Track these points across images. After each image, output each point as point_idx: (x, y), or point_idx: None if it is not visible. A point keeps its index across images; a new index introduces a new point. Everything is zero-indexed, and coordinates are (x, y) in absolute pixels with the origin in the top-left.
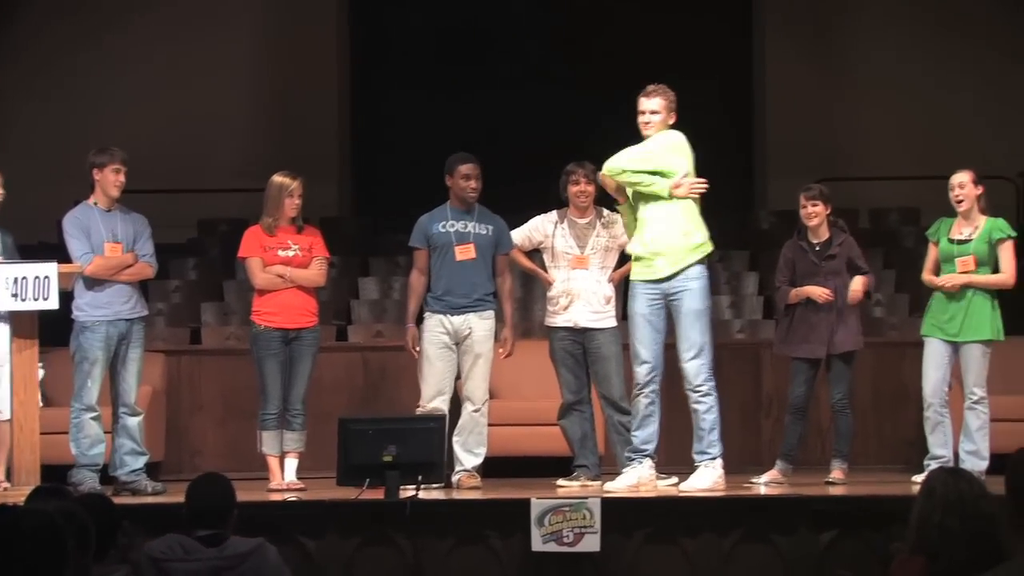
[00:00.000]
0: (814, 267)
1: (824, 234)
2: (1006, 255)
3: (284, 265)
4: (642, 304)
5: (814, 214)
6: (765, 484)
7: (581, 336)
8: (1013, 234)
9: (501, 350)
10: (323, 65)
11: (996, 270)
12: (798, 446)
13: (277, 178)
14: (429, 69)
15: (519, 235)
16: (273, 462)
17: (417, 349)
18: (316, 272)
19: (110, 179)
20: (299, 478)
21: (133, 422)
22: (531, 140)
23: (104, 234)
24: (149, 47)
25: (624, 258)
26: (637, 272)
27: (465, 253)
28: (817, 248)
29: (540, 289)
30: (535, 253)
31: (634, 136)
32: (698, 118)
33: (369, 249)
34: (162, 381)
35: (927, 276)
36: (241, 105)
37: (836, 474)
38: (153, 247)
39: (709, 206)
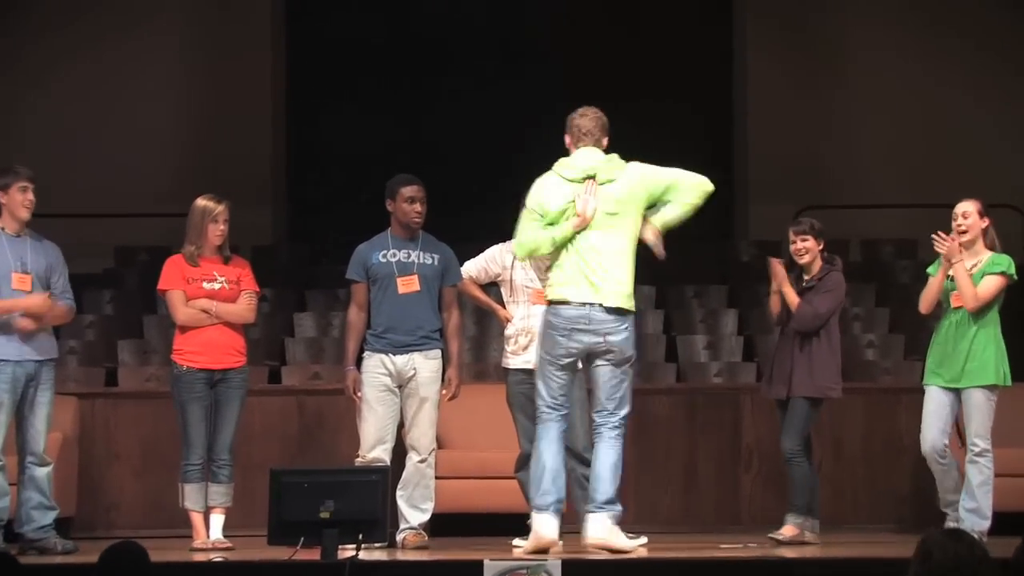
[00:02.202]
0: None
1: (815, 271)
2: (988, 283)
3: (209, 299)
4: None
5: (804, 250)
6: (784, 540)
7: None
8: (1010, 272)
9: (445, 392)
10: (257, 82)
11: (989, 307)
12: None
13: (200, 202)
14: (371, 88)
15: (474, 267)
16: (197, 518)
17: (359, 395)
18: (245, 307)
19: (17, 199)
20: (226, 536)
21: (42, 473)
22: (485, 165)
23: (12, 263)
24: (66, 61)
25: None
26: None
27: (408, 285)
28: (804, 282)
29: (496, 326)
30: (492, 287)
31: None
32: (674, 140)
33: (306, 281)
34: (74, 427)
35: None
36: (166, 122)
37: (784, 531)
38: (68, 281)
39: (684, 235)
